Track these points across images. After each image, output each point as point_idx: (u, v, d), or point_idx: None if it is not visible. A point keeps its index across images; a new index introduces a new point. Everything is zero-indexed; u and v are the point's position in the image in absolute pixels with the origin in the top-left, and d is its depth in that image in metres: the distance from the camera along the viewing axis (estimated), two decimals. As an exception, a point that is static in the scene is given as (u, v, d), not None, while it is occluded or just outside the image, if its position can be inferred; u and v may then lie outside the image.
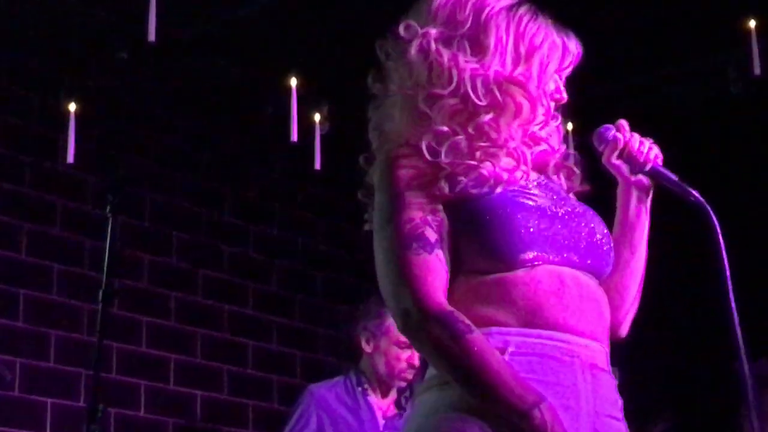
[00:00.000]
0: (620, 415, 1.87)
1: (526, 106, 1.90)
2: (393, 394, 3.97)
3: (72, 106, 4.65)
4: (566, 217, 1.87)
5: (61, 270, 4.87)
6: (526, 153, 1.90)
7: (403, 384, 3.93)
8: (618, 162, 1.98)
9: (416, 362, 3.82)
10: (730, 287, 1.87)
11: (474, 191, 1.82)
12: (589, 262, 1.87)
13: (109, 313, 3.62)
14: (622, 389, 1.90)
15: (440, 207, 1.82)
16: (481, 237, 1.81)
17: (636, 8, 4.90)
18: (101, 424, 3.48)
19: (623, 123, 1.99)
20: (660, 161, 1.98)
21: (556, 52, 1.93)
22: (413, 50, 1.89)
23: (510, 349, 1.77)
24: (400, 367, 3.86)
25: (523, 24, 1.92)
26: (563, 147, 2.00)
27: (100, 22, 4.90)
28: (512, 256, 1.79)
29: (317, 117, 4.91)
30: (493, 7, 1.91)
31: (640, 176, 1.99)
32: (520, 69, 1.90)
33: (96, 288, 3.60)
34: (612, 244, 1.94)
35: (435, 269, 1.79)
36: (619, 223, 2.02)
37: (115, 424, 4.77)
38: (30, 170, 4.85)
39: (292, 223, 5.80)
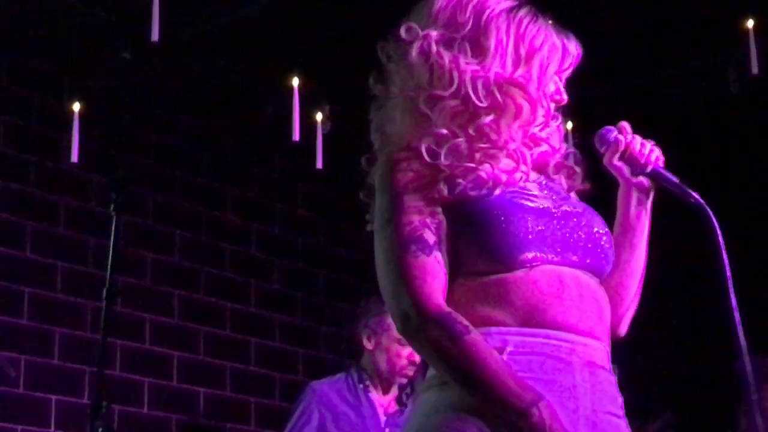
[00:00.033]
0: (621, 412, 1.88)
1: (526, 107, 1.90)
2: (394, 391, 3.98)
3: (76, 106, 4.67)
4: (566, 216, 1.88)
5: (65, 268, 4.87)
6: (526, 154, 1.91)
7: (404, 381, 3.95)
8: (619, 163, 1.99)
9: (417, 359, 3.82)
10: (732, 291, 1.87)
11: (472, 193, 1.83)
12: (588, 261, 1.87)
13: (112, 311, 3.67)
14: (622, 387, 1.90)
15: (439, 209, 1.83)
16: (480, 238, 1.81)
17: (634, 9, 4.88)
18: (105, 421, 3.52)
19: (625, 125, 2.00)
20: (661, 163, 1.99)
21: (556, 54, 1.94)
22: (414, 52, 1.89)
23: (508, 349, 1.77)
24: (401, 363, 3.87)
25: (523, 26, 1.92)
26: (564, 146, 2.00)
27: (103, 23, 4.89)
28: (511, 257, 1.80)
29: (319, 116, 4.92)
30: (493, 10, 1.92)
31: (641, 178, 2.00)
32: (520, 71, 1.90)
33: (99, 286, 3.63)
34: (612, 243, 1.94)
35: (433, 271, 1.80)
36: (619, 224, 2.03)
37: (118, 420, 4.77)
38: (34, 170, 4.86)
39: (294, 222, 5.80)
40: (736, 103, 5.31)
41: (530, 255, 1.81)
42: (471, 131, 1.86)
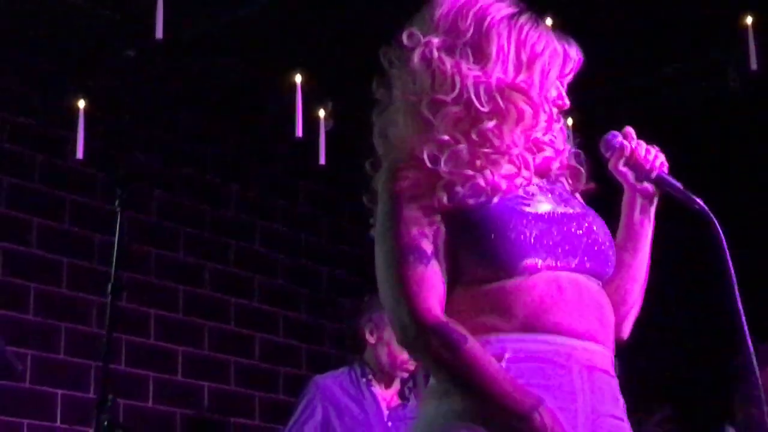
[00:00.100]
0: (623, 414, 1.88)
1: (528, 112, 1.90)
2: (396, 385, 4.00)
3: (81, 104, 4.68)
4: (566, 220, 1.87)
5: (71, 264, 4.90)
6: (528, 159, 1.91)
7: (405, 374, 3.97)
8: (624, 169, 2.00)
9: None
10: (738, 298, 1.88)
11: (471, 201, 1.83)
12: (588, 265, 1.87)
13: (117, 307, 3.66)
14: (622, 384, 1.90)
15: (438, 218, 1.83)
16: (479, 247, 1.81)
17: (634, 9, 4.86)
18: (110, 415, 3.52)
19: (630, 130, 2.00)
20: (665, 169, 1.99)
21: (558, 59, 1.94)
22: (416, 58, 1.90)
23: (507, 355, 1.78)
24: (402, 357, 3.88)
25: (524, 32, 1.92)
26: (568, 147, 2.00)
27: (107, 22, 4.89)
28: (510, 265, 1.80)
29: (321, 113, 4.92)
30: (494, 16, 1.92)
31: (646, 183, 2.00)
32: (522, 76, 1.91)
33: (105, 282, 3.64)
34: (613, 245, 1.94)
35: (431, 281, 1.80)
36: (623, 229, 2.03)
37: (124, 414, 4.79)
38: (40, 167, 4.88)
39: (297, 218, 5.82)
40: (736, 102, 5.30)
41: (529, 261, 1.81)
42: (474, 136, 1.86)
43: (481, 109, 1.87)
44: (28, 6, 4.78)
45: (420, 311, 1.78)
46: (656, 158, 1.99)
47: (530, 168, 1.91)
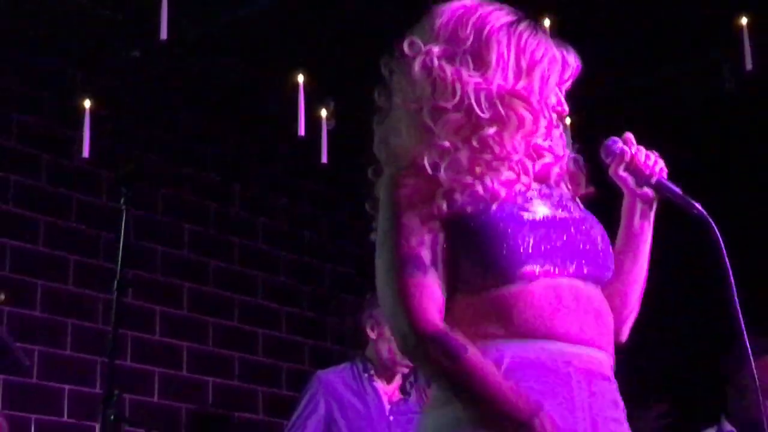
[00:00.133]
0: (622, 418, 1.88)
1: (528, 118, 1.91)
2: (398, 380, 4.03)
3: (87, 104, 4.69)
4: (564, 225, 1.88)
5: (77, 261, 4.92)
6: (528, 165, 1.91)
7: (406, 370, 3.99)
8: (624, 174, 2.01)
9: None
10: (737, 303, 1.91)
11: (469, 208, 1.83)
12: (587, 270, 1.88)
13: (123, 303, 3.67)
14: (621, 384, 1.91)
15: (437, 225, 1.84)
16: (478, 254, 1.82)
17: (633, 9, 4.87)
18: (116, 409, 3.52)
19: (629, 136, 2.01)
20: (665, 174, 2.01)
21: (557, 66, 1.96)
22: (417, 66, 1.91)
23: (506, 362, 1.79)
24: (403, 352, 3.93)
25: (524, 39, 1.94)
26: (568, 152, 2.01)
27: (112, 22, 4.91)
28: (507, 272, 1.81)
29: (323, 113, 4.95)
30: (494, 24, 1.93)
31: (646, 189, 2.01)
32: (521, 83, 1.92)
33: (111, 279, 3.64)
34: (611, 250, 1.95)
35: (430, 290, 1.81)
36: (623, 234, 2.04)
37: (129, 409, 4.82)
38: (47, 166, 4.91)
39: (299, 216, 5.83)
40: (734, 101, 5.31)
41: (527, 269, 1.82)
42: (474, 143, 1.87)
43: (482, 115, 1.88)
44: (35, 7, 4.80)
45: (419, 320, 1.79)
46: (656, 164, 2.00)
47: (530, 174, 1.92)
